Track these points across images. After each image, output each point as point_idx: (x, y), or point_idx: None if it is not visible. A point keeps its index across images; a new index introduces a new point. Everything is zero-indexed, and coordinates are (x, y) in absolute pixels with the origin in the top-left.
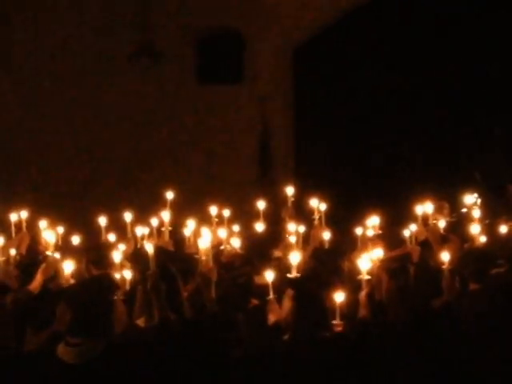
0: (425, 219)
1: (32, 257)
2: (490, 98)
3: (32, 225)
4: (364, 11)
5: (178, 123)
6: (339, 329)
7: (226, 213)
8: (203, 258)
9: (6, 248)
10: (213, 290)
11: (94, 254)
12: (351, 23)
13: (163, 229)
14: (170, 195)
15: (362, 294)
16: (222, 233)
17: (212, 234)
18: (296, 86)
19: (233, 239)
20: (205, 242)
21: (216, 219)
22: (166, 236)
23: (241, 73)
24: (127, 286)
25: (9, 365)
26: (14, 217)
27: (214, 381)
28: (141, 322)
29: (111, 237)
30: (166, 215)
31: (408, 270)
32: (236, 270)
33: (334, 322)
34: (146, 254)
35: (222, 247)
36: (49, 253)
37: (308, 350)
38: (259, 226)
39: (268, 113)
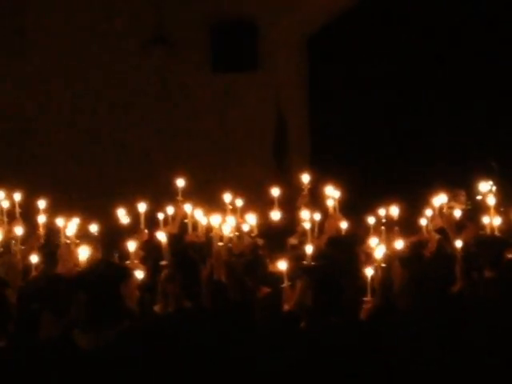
0: (441, 207)
1: (51, 245)
2: (503, 88)
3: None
4: None
5: (193, 111)
6: (370, 305)
7: (239, 202)
8: (219, 244)
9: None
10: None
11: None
12: (366, 10)
13: (186, 221)
14: (180, 183)
15: (376, 282)
16: (232, 221)
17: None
18: (311, 73)
19: (244, 225)
20: (219, 227)
21: (230, 206)
22: (190, 228)
23: (255, 61)
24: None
25: (26, 351)
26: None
27: (229, 367)
28: (158, 308)
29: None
30: (188, 207)
31: (422, 257)
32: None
33: (365, 298)
34: (159, 243)
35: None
36: (67, 241)
37: (324, 336)
38: (274, 214)
39: (283, 100)
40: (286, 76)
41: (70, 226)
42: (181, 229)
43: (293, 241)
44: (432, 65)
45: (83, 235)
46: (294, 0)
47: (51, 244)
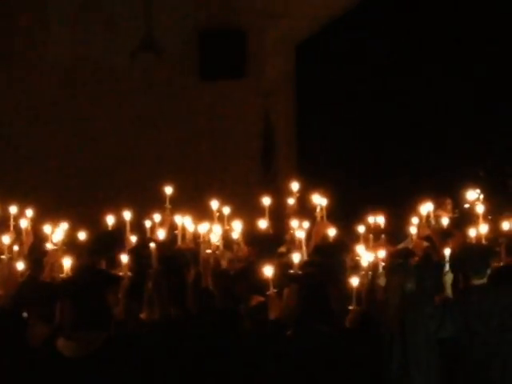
0: (427, 216)
1: (37, 253)
2: (493, 94)
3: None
4: (367, 7)
5: (181, 119)
6: (355, 313)
7: (226, 210)
8: (208, 251)
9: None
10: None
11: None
12: (355, 18)
13: (176, 232)
14: (168, 190)
15: (364, 290)
16: (218, 229)
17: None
18: (299, 81)
19: (234, 233)
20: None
21: (217, 213)
22: (180, 236)
23: (243, 68)
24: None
25: (10, 359)
26: (13, 209)
27: (217, 374)
28: (143, 316)
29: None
30: (178, 218)
31: (409, 265)
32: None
33: (351, 307)
34: (148, 251)
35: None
36: (51, 247)
37: (311, 344)
38: (263, 223)
39: (271, 108)
40: (274, 83)
41: (56, 233)
42: (169, 236)
43: (281, 249)
44: (422, 71)
45: (70, 242)
46: (283, 7)
47: (37, 251)
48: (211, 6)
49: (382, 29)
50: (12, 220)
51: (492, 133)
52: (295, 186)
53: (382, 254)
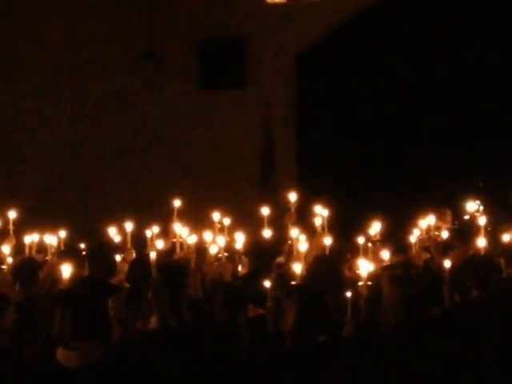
0: (428, 229)
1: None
2: (494, 103)
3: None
4: (367, 17)
5: (180, 129)
6: (351, 325)
7: (226, 221)
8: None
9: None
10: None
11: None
12: (355, 28)
13: (174, 240)
14: (177, 203)
15: (362, 300)
16: (221, 241)
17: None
18: (299, 91)
19: (237, 243)
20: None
21: (219, 225)
22: (178, 247)
23: (243, 78)
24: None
25: (8, 370)
26: (12, 214)
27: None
28: (140, 325)
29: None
30: (177, 226)
31: (411, 276)
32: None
33: (345, 318)
34: (147, 261)
35: (220, 255)
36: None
37: (309, 354)
38: (265, 233)
39: (270, 118)
40: (273, 93)
41: (56, 243)
42: (170, 247)
43: (279, 259)
44: (422, 84)
45: (70, 252)
46: (283, 17)
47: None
48: (211, 15)
49: (383, 38)
50: (11, 225)
51: (492, 144)
52: (293, 196)
53: (386, 255)
